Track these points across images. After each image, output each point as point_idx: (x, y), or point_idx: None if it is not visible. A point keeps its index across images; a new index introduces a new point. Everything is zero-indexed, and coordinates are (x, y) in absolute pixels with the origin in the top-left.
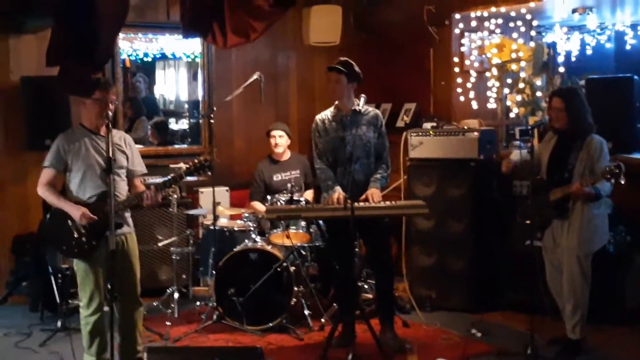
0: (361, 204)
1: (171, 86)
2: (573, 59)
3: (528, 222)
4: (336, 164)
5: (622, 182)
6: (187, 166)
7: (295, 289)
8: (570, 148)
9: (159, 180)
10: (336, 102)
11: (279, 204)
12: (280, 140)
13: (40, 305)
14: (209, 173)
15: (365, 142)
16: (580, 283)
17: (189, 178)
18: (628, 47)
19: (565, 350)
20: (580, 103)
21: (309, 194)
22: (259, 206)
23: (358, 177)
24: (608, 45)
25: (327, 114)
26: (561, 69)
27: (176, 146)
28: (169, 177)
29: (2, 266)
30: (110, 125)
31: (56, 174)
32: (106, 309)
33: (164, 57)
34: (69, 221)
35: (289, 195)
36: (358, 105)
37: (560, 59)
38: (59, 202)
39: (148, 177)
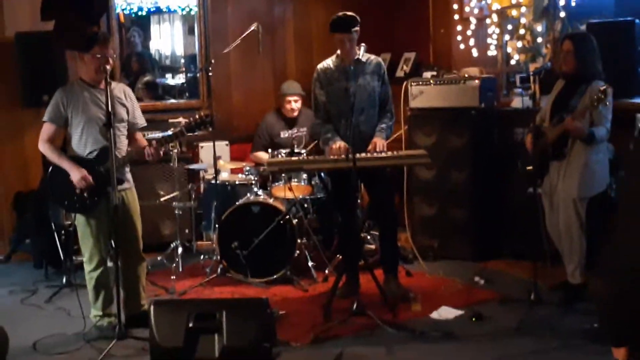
0: (363, 154)
1: (166, 41)
2: (573, 3)
3: (529, 168)
4: (340, 115)
5: (608, 104)
6: (187, 121)
7: (299, 241)
8: (573, 92)
9: (159, 135)
10: (338, 52)
11: (280, 157)
12: (296, 105)
13: (45, 262)
14: (210, 128)
15: (369, 92)
16: (576, 227)
17: (190, 133)
18: None
19: (568, 295)
20: (590, 48)
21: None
22: (263, 155)
23: (363, 128)
24: None
25: (328, 63)
26: (562, 14)
27: (174, 101)
28: (170, 132)
29: (4, 224)
30: (108, 79)
31: (56, 129)
32: (110, 264)
33: (158, 10)
34: (70, 177)
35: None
36: (361, 54)
37: (561, 3)
38: (60, 160)
39: (147, 131)
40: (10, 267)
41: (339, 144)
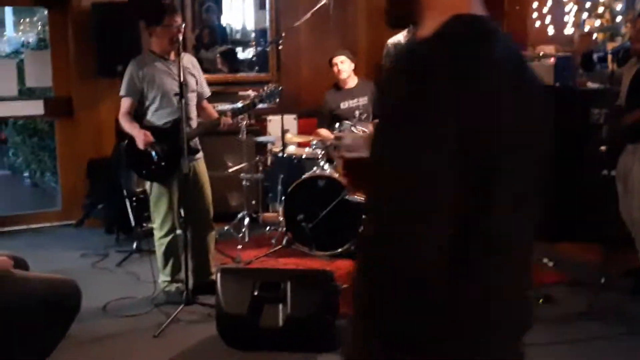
0: None
1: (238, 15)
2: None
3: (602, 148)
4: None
5: None
6: (257, 93)
7: (363, 216)
8: None
9: (229, 107)
10: (410, 27)
11: (346, 130)
12: (343, 66)
13: (116, 228)
14: (278, 100)
15: None
16: None
17: (260, 106)
18: None
19: (638, 282)
20: None
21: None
22: (325, 133)
23: None
24: None
25: (399, 38)
26: None
27: (244, 74)
28: (241, 104)
29: (78, 190)
30: (180, 49)
31: (133, 102)
32: (179, 232)
33: None
34: (149, 147)
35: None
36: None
37: None
38: (131, 128)
39: (217, 103)
40: (82, 231)
41: None
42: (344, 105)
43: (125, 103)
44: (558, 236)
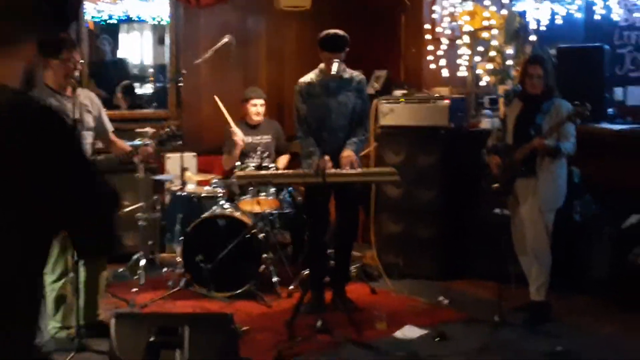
0: (332, 170)
1: (135, 50)
2: (543, 28)
3: (495, 186)
4: (320, 130)
5: (588, 114)
6: (158, 132)
7: (264, 255)
8: (536, 111)
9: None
10: (321, 66)
11: (248, 169)
12: (261, 109)
13: None
14: (179, 142)
15: (350, 109)
16: (544, 240)
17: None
18: (597, 17)
19: (533, 313)
20: (552, 69)
21: (283, 160)
22: (226, 159)
23: (342, 144)
24: (577, 15)
25: (311, 77)
26: (532, 38)
27: (142, 110)
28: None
29: None
30: (76, 86)
31: None
32: (71, 274)
33: (129, 19)
34: None
35: (259, 160)
36: (343, 70)
37: (531, 27)
38: None
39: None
40: None
41: (318, 162)
42: (247, 140)
43: None
44: (453, 274)
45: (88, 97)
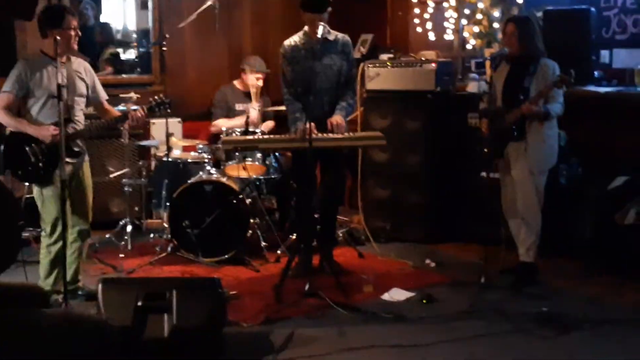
0: (319, 135)
1: (118, 15)
2: None
3: (486, 150)
4: (306, 93)
5: (572, 81)
6: (152, 99)
7: (251, 221)
8: (523, 73)
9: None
10: (305, 29)
11: (234, 135)
12: (259, 83)
13: None
14: (168, 111)
15: (336, 72)
16: (535, 202)
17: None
18: None
19: (521, 274)
20: (532, 30)
21: (267, 125)
22: (225, 121)
23: (327, 108)
24: None
25: (295, 39)
26: (519, 0)
27: (126, 75)
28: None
29: None
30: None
31: (15, 99)
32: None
33: None
34: (26, 146)
35: (245, 127)
36: (328, 32)
37: None
38: (22, 125)
39: None
40: None
41: (303, 127)
42: (238, 106)
43: (6, 97)
44: (440, 238)
45: (82, 65)
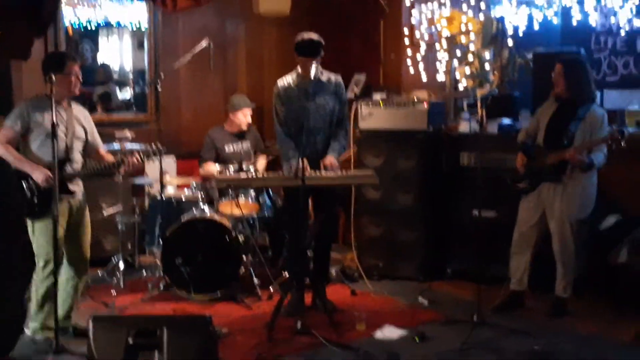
0: (312, 173)
1: (115, 55)
2: (520, 32)
3: (522, 185)
4: (300, 132)
5: (623, 145)
6: (150, 148)
7: (244, 258)
8: (571, 116)
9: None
10: (298, 69)
11: (227, 173)
12: (248, 118)
13: None
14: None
15: (328, 112)
16: (572, 248)
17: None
18: (574, 22)
19: (555, 308)
20: (580, 72)
21: (261, 163)
22: (211, 167)
23: (320, 147)
24: (555, 20)
25: (289, 79)
26: (510, 43)
27: (121, 114)
28: (142, 150)
29: None
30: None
31: (15, 135)
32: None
33: (108, 25)
34: (24, 181)
35: (238, 165)
36: (321, 73)
37: (509, 32)
38: (20, 162)
39: None
40: None
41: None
42: (228, 148)
43: (7, 132)
44: (432, 275)
45: (82, 113)
